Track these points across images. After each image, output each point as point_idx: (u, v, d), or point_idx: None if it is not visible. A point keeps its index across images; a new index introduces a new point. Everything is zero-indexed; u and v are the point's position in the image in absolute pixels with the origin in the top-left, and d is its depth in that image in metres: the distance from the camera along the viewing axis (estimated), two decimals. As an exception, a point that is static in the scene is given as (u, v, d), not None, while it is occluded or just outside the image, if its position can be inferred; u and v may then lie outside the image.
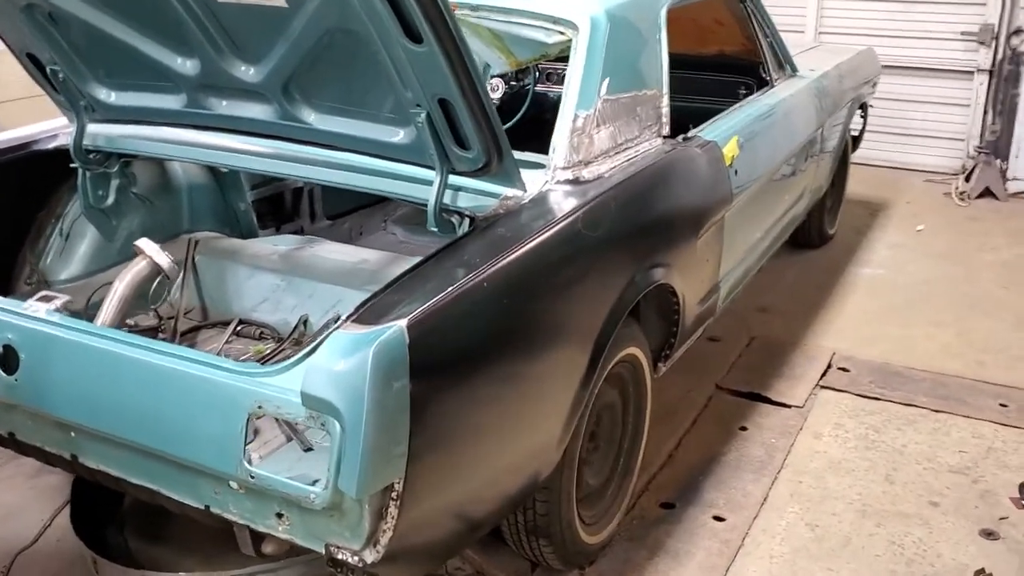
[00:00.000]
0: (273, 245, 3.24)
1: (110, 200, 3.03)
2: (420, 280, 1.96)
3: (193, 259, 3.18)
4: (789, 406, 3.73)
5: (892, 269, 5.15)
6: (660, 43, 2.96)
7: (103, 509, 2.77)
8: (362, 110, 2.40)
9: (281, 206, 3.66)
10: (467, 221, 2.35)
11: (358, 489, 1.70)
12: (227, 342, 2.88)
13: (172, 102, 2.71)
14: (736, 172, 3.23)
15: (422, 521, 1.90)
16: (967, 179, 6.46)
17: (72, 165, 2.91)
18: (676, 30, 4.32)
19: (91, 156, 2.92)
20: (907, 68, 6.70)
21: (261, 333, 2.93)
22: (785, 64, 4.16)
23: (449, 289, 1.90)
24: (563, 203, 2.38)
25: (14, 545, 2.88)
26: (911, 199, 6.33)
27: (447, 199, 2.37)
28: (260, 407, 1.82)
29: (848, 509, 3.10)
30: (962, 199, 6.32)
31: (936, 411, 3.69)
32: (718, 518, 3.05)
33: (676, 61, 4.49)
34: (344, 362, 1.70)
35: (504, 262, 2.06)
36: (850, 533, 2.98)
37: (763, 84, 4.05)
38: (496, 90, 4.10)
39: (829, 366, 4.04)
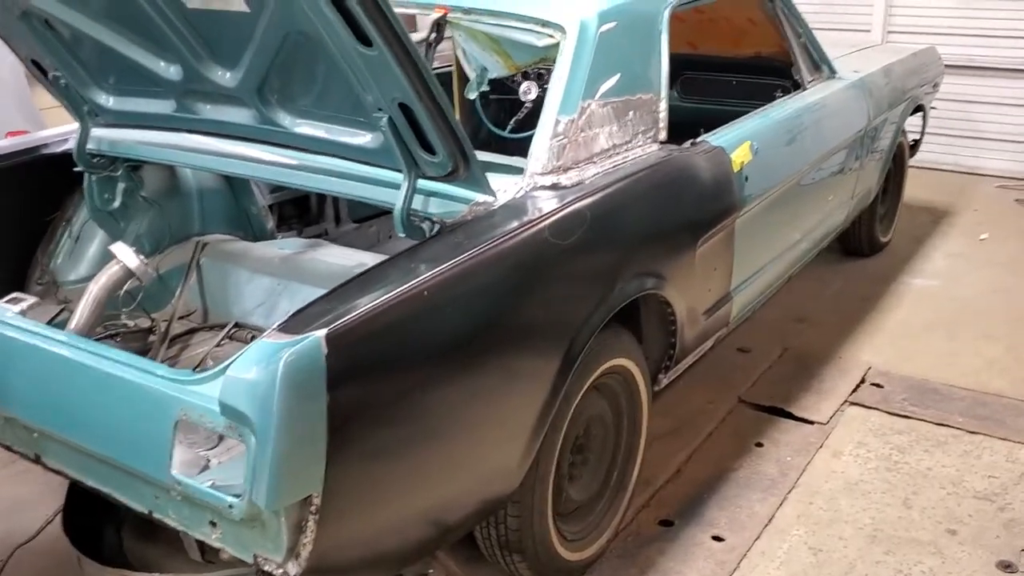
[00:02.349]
0: (278, 249, 3.26)
1: (116, 203, 3.09)
2: (358, 288, 1.93)
3: (198, 262, 3.22)
4: (812, 422, 3.57)
5: (947, 280, 4.90)
6: (660, 46, 2.86)
7: (101, 507, 2.82)
8: (333, 114, 2.39)
9: (306, 209, 3.69)
10: (436, 227, 2.31)
11: (268, 501, 1.67)
12: (218, 345, 2.90)
13: (163, 107, 2.74)
14: (747, 178, 3.10)
15: (349, 537, 1.86)
16: (1042, 185, 6.12)
17: (76, 169, 2.97)
18: (708, 31, 4.26)
19: (95, 160, 2.98)
20: (979, 68, 6.38)
21: (253, 337, 2.94)
22: (821, 65, 3.99)
23: (383, 298, 1.86)
24: (532, 210, 2.32)
25: (15, 539, 2.95)
26: (978, 206, 6.02)
27: (417, 204, 2.34)
28: (185, 414, 1.81)
29: (858, 534, 2.94)
30: (1035, 206, 5.99)
31: (971, 432, 3.49)
32: (717, 538, 2.94)
33: (710, 63, 4.44)
34: (257, 372, 1.68)
35: (451, 271, 2.01)
36: (855, 560, 2.83)
37: (798, 87, 3.89)
38: (529, 92, 4.04)
39: (862, 381, 3.86)
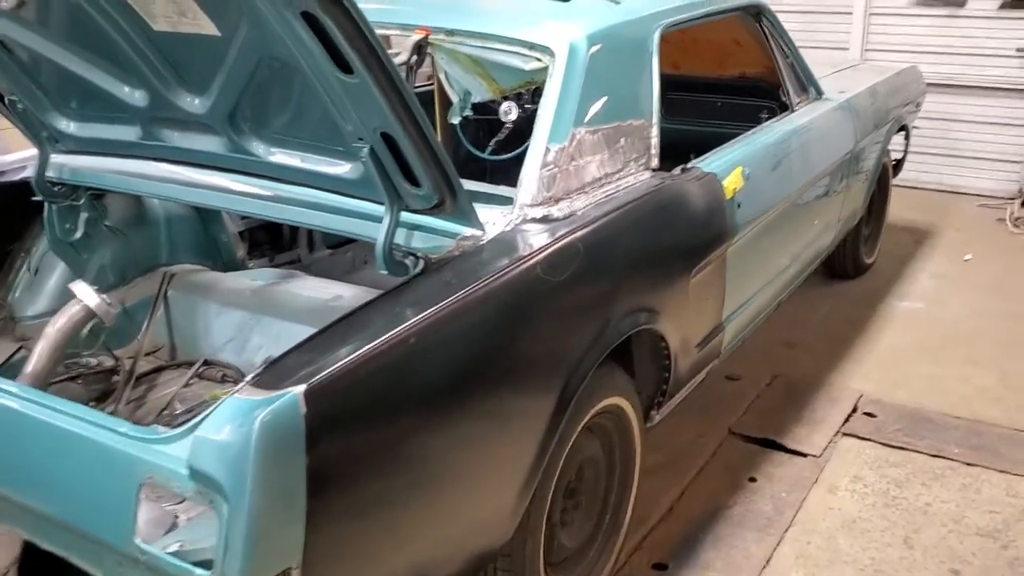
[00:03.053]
0: (250, 280, 3.10)
1: (78, 234, 2.92)
2: (339, 335, 1.79)
3: (165, 294, 3.06)
4: (805, 455, 3.46)
5: (933, 303, 4.82)
6: (651, 69, 2.75)
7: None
8: (309, 143, 2.25)
9: (278, 235, 3.53)
10: (421, 263, 2.17)
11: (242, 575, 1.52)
12: (187, 385, 2.74)
13: (128, 133, 2.58)
14: (739, 205, 2.99)
15: (331, 606, 1.71)
16: (1023, 204, 6.08)
17: (35, 199, 2.80)
18: (692, 51, 4.16)
19: (56, 189, 2.81)
20: (959, 87, 6.35)
21: (224, 375, 2.78)
22: (808, 87, 3.90)
23: (367, 347, 1.72)
24: (523, 245, 2.18)
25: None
26: (961, 225, 5.98)
27: (400, 238, 2.20)
28: (151, 477, 1.65)
29: (859, 575, 2.83)
30: (1017, 226, 5.94)
31: (968, 464, 3.39)
32: (713, 582, 2.82)
33: (694, 84, 4.34)
34: (229, 433, 1.53)
35: (439, 315, 1.88)
36: (858, 604, 2.72)
37: (784, 109, 3.80)
38: (510, 112, 3.91)
39: (854, 410, 3.76)
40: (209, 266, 3.30)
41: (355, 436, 1.69)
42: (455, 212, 2.15)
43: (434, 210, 2.15)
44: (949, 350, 4.27)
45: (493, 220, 2.24)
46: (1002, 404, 3.81)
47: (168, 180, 2.57)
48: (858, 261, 5.01)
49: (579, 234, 2.28)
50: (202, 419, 1.63)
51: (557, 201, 2.34)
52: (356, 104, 1.95)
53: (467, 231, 2.19)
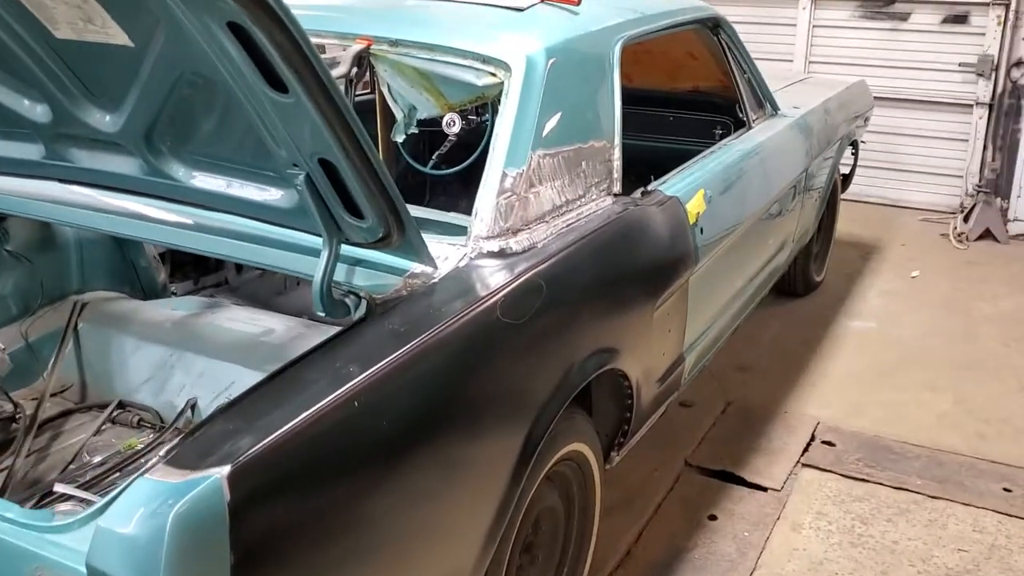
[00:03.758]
0: (171, 309, 2.82)
1: (-27, 261, 2.61)
2: (271, 398, 1.54)
3: (75, 326, 2.76)
4: (765, 489, 3.30)
5: (884, 321, 4.73)
6: (612, 85, 2.55)
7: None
8: (238, 167, 2.00)
9: (202, 256, 3.24)
10: (364, 304, 1.93)
11: None
12: (97, 432, 2.45)
13: (30, 152, 2.29)
14: (702, 230, 2.81)
15: None
16: (966, 219, 6.05)
17: (-80, 223, 2.49)
18: (644, 63, 3.98)
19: (-56, 212, 2.50)
20: (902, 100, 6.32)
21: (140, 420, 2.50)
22: (765, 102, 3.76)
23: (304, 415, 1.47)
24: (479, 284, 1.96)
25: None
26: (906, 240, 5.93)
27: (340, 275, 1.96)
28: (41, 573, 1.39)
29: (830, 624, 2.67)
30: (960, 241, 5.91)
31: (932, 497, 3.26)
32: (677, 636, 2.63)
33: (645, 98, 4.16)
34: (138, 525, 1.27)
35: (387, 370, 1.64)
36: (831, 657, 2.55)
37: (740, 125, 3.65)
38: (453, 125, 3.69)
39: (812, 439, 3.62)
40: (127, 293, 3.01)
41: (290, 514, 1.45)
42: (402, 246, 1.92)
43: (379, 244, 1.91)
44: (905, 373, 4.17)
45: (445, 254, 2.02)
46: (961, 431, 3.71)
47: (76, 204, 2.29)
48: (808, 279, 4.90)
49: (540, 269, 2.07)
50: (105, 503, 1.37)
51: (515, 232, 2.12)
52: (291, 127, 1.71)
53: (416, 267, 1.96)
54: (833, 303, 4.92)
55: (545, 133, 2.25)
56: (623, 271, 2.41)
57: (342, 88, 2.45)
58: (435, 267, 1.96)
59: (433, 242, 2.05)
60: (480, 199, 2.11)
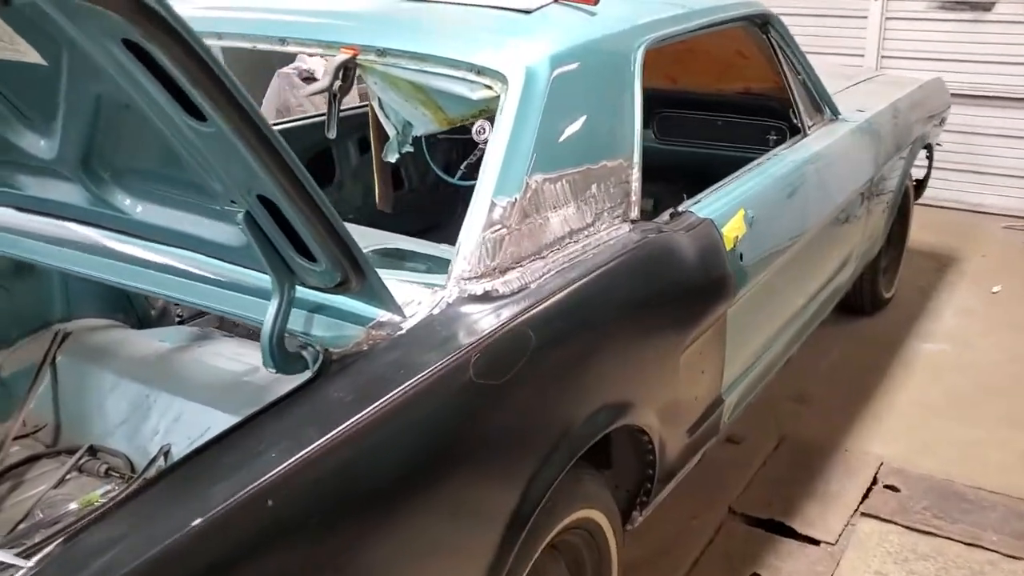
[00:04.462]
0: (158, 341, 2.59)
1: (-61, 290, 2.42)
2: (168, 495, 1.28)
3: (53, 359, 2.55)
4: (818, 542, 2.94)
5: (959, 345, 4.30)
6: (632, 95, 2.24)
7: None
8: (183, 199, 1.74)
9: None
10: (320, 357, 1.66)
11: None
12: (60, 483, 2.23)
13: (-21, 177, 2.08)
14: (742, 256, 2.48)
15: None
16: (1054, 227, 5.55)
17: None
18: (689, 63, 3.65)
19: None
20: (984, 98, 5.82)
21: (108, 469, 2.27)
22: (823, 106, 3.38)
23: (196, 523, 1.20)
24: (453, 336, 1.66)
25: None
26: (986, 251, 5.44)
27: (298, 323, 1.69)
28: None
29: None
30: (1048, 251, 5.42)
31: (1010, 556, 2.87)
32: None
33: (690, 100, 3.83)
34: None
35: (324, 449, 1.37)
36: None
37: (794, 132, 3.29)
38: (483, 132, 3.41)
39: (874, 482, 3.24)
40: (120, 320, 2.80)
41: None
42: (364, 291, 1.64)
43: (338, 289, 1.64)
44: (982, 406, 3.75)
45: (419, 298, 1.73)
46: (1046, 475, 3.30)
47: (24, 233, 2.07)
48: (876, 295, 4.49)
49: (529, 316, 1.76)
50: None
51: (504, 271, 1.82)
52: (219, 160, 1.45)
53: (383, 315, 1.68)
54: (903, 322, 4.50)
55: (546, 154, 1.95)
56: (640, 310, 2.09)
57: (330, 103, 2.19)
58: (403, 315, 1.68)
59: (408, 283, 1.77)
60: (463, 234, 1.82)
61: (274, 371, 1.65)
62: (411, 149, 2.28)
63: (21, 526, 2.08)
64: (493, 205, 1.84)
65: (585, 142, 2.07)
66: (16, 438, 2.44)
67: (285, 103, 5.46)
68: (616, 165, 2.14)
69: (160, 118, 1.42)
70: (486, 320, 1.71)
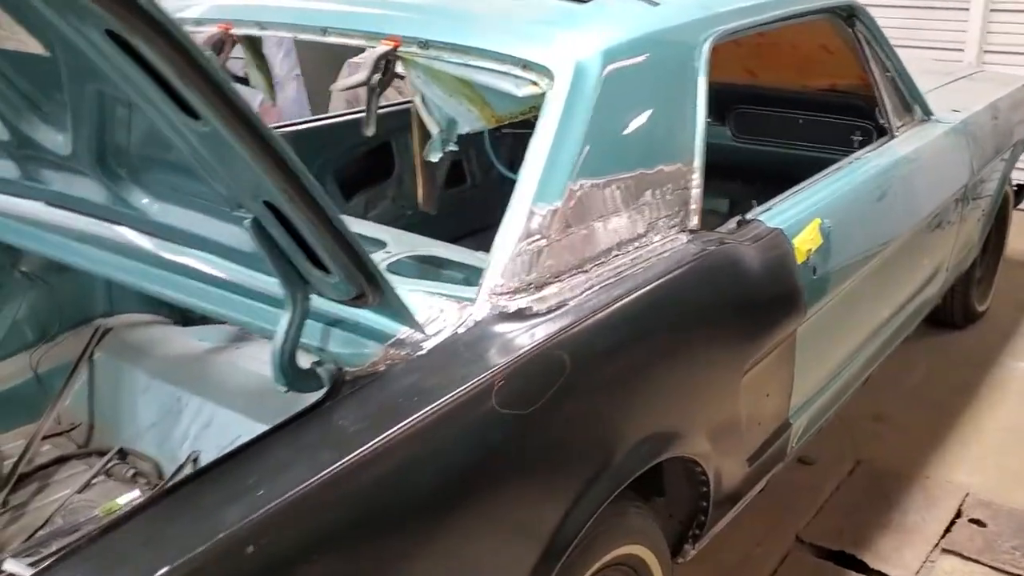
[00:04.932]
0: (197, 340, 2.51)
1: (-20, 283, 2.37)
2: (140, 535, 1.16)
3: (91, 356, 2.49)
4: (893, 580, 2.72)
5: (1061, 365, 3.98)
6: (695, 94, 2.04)
7: None
8: (197, 200, 1.63)
9: None
10: (333, 375, 1.53)
11: None
12: (85, 488, 2.16)
13: (7, 170, 2.01)
14: (815, 271, 2.27)
15: None
16: None
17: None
18: (769, 56, 3.42)
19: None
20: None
21: (135, 474, 2.20)
22: (913, 106, 3.13)
23: (160, 572, 1.08)
24: (478, 359, 1.51)
25: None
26: (1094, 262, 5.05)
27: (314, 336, 1.57)
28: None
29: None
30: None
31: (1110, 606, 2.61)
32: None
33: (770, 96, 3.60)
34: None
35: (323, 486, 1.23)
36: None
37: (882, 133, 3.04)
38: None
39: (958, 515, 2.99)
40: (163, 316, 2.73)
41: None
42: (383, 305, 1.50)
43: (356, 302, 1.51)
44: (1083, 434, 3.45)
45: (445, 314, 1.59)
46: None
47: (52, 228, 1.99)
48: (968, 308, 4.18)
49: (565, 337, 1.60)
50: None
51: (541, 287, 1.66)
52: (219, 161, 1.33)
53: (403, 332, 1.54)
54: (997, 339, 4.19)
55: (594, 157, 1.78)
56: (694, 330, 1.91)
57: (368, 98, 2.07)
58: (425, 333, 1.53)
59: (437, 295, 1.63)
60: (497, 244, 1.67)
61: (285, 389, 1.53)
62: (455, 148, 2.13)
63: (40, 532, 2.01)
64: (532, 213, 1.68)
65: (640, 145, 1.90)
66: (49, 436, 2.38)
67: (355, 94, 5.38)
68: (674, 170, 1.95)
69: (158, 116, 1.31)
70: (516, 341, 1.55)
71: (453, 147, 2.13)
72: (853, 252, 2.50)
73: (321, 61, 5.17)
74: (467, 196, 3.63)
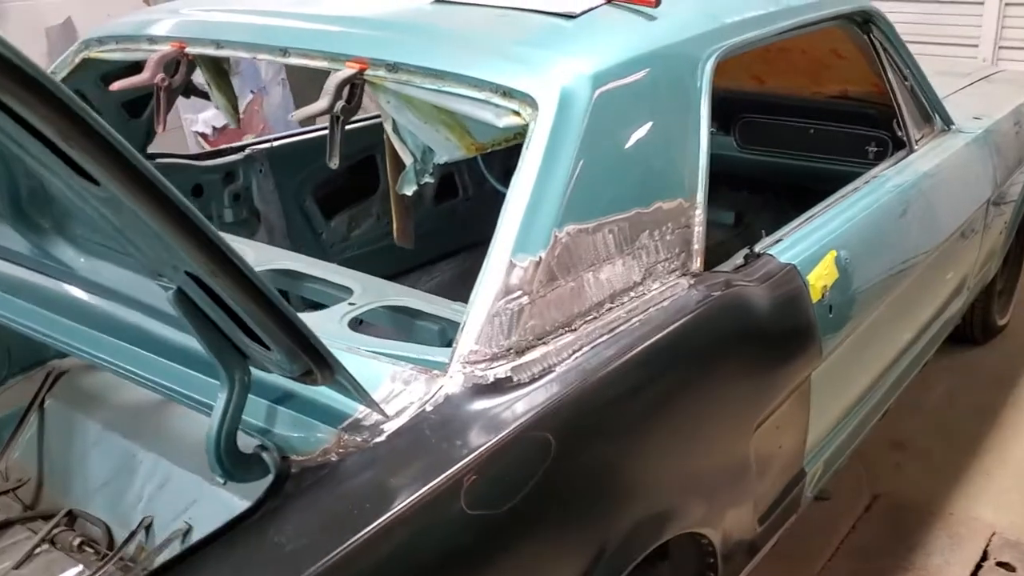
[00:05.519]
0: None
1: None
2: None
3: (42, 403, 2.29)
4: (916, 633, 2.51)
5: (1088, 383, 3.76)
6: (696, 119, 1.82)
7: None
8: (125, 258, 1.42)
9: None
10: (276, 467, 1.32)
11: None
12: (28, 556, 1.95)
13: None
14: (831, 308, 2.06)
15: None
16: None
17: None
18: (778, 62, 3.20)
19: None
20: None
21: (82, 542, 1.99)
22: (933, 116, 2.90)
23: None
24: (447, 446, 1.30)
25: None
26: (1118, 269, 4.81)
27: (258, 414, 1.36)
28: None
29: None
30: None
31: None
32: None
33: (779, 105, 3.38)
34: None
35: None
36: None
37: (898, 143, 2.82)
38: None
39: (984, 558, 2.78)
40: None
41: None
42: (334, 383, 1.29)
43: (305, 379, 1.30)
44: (1117, 464, 3.23)
45: (411, 388, 1.37)
46: None
47: None
48: (988, 322, 3.95)
49: (550, 413, 1.38)
50: None
51: (522, 351, 1.45)
52: (130, 229, 1.11)
53: (360, 411, 1.33)
54: (1019, 355, 3.96)
55: (583, 198, 1.56)
56: (698, 391, 1.69)
57: (331, 128, 1.85)
58: (386, 415, 1.32)
59: (404, 361, 1.42)
60: (472, 303, 1.45)
61: (222, 480, 1.32)
62: (431, 180, 1.92)
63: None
64: (512, 266, 1.47)
65: (635, 181, 1.68)
66: (-7, 494, 2.18)
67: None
68: (674, 207, 1.74)
69: (57, 179, 1.10)
70: (492, 421, 1.34)
71: (429, 179, 1.91)
72: (872, 283, 2.28)
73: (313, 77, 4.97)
74: (459, 209, 3.43)
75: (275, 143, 3.03)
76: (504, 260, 1.47)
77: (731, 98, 3.44)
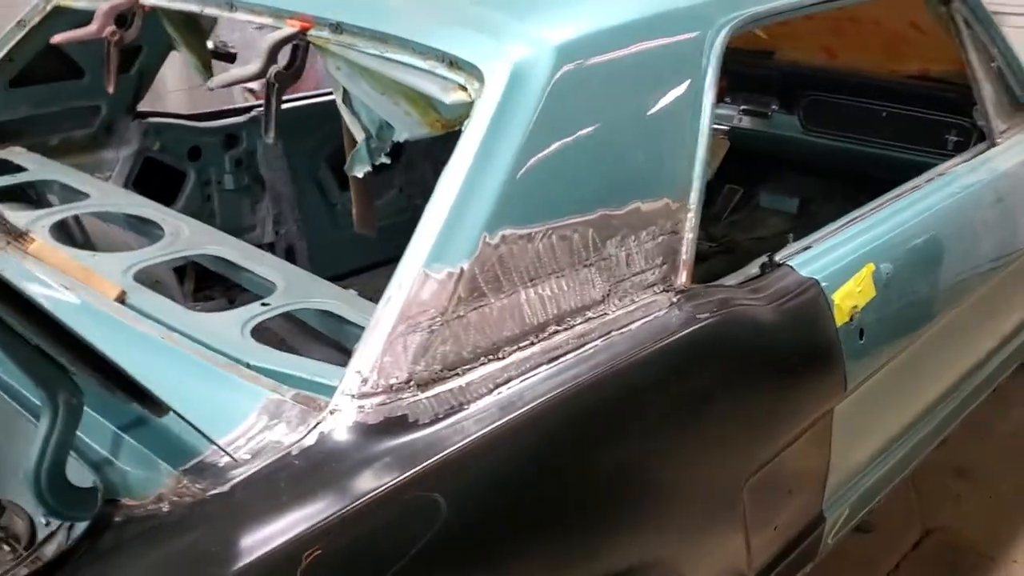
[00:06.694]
0: None
1: None
2: None
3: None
4: None
5: None
6: (698, 104, 1.50)
7: None
8: None
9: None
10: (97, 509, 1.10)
11: None
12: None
13: None
14: (863, 333, 1.72)
15: None
16: None
17: None
18: (849, 35, 2.83)
19: None
20: None
21: (3, 537, 1.82)
22: (1024, 103, 2.49)
23: None
24: (295, 504, 1.04)
25: None
26: None
27: (104, 442, 1.14)
28: None
29: None
30: None
31: None
32: None
33: (847, 83, 3.00)
34: None
35: None
36: None
37: (983, 135, 2.43)
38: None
39: (1048, 617, 2.42)
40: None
41: None
42: (170, 416, 1.06)
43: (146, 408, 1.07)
44: None
45: (277, 426, 1.12)
46: None
47: None
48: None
49: (446, 466, 1.11)
50: None
51: (427, 385, 1.17)
52: None
53: (209, 452, 1.09)
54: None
55: (527, 195, 1.28)
56: (667, 440, 1.38)
57: (267, 95, 1.61)
58: (235, 459, 1.07)
59: (283, 390, 1.17)
60: (372, 323, 1.19)
61: (44, 521, 1.10)
62: (388, 161, 1.65)
63: None
64: (425, 278, 1.20)
65: (604, 177, 1.38)
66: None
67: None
68: (657, 209, 1.43)
69: None
70: (369, 474, 1.08)
71: (385, 159, 1.65)
72: (921, 302, 1.94)
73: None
74: None
75: (284, 104, 2.81)
76: (415, 270, 1.20)
77: (797, 73, 3.08)
